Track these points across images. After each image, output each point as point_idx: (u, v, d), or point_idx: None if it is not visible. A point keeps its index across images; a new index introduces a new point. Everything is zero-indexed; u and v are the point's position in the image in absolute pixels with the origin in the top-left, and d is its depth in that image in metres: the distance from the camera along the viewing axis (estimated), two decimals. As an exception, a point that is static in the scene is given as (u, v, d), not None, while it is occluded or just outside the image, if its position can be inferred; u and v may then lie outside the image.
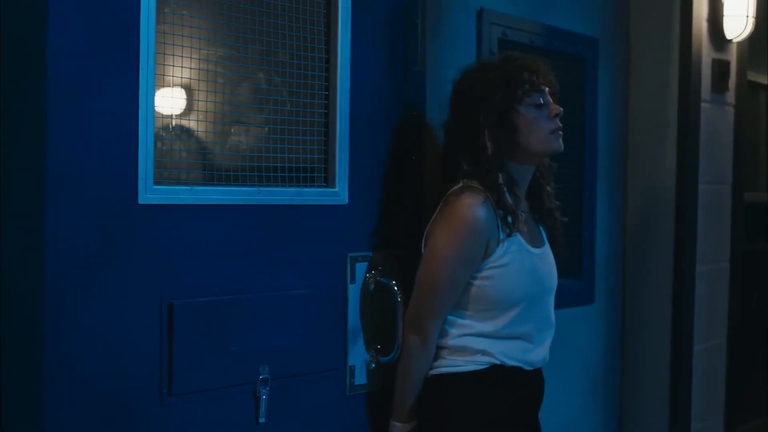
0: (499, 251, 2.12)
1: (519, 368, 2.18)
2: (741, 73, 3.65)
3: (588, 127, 3.15)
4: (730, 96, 3.56)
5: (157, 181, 1.88)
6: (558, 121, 2.17)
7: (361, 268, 2.26)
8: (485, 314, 2.16)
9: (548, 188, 2.27)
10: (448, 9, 2.60)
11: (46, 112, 1.69)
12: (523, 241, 2.16)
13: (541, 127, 2.15)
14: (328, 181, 2.21)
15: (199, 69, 2.00)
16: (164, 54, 1.90)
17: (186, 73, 1.96)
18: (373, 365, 2.29)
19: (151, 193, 1.86)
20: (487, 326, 2.16)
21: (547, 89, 2.18)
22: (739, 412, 3.85)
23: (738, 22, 3.42)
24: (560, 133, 2.17)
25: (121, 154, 1.81)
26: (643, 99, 3.39)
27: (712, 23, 3.40)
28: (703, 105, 3.38)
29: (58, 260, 1.72)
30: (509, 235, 2.12)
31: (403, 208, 2.36)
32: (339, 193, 2.22)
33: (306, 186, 2.17)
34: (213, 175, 2.02)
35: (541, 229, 2.31)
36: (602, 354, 3.34)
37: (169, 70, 1.92)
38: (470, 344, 2.16)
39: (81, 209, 1.75)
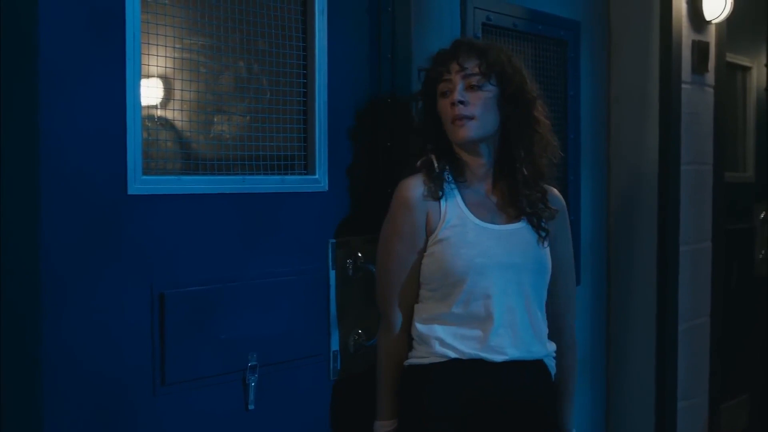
0: (442, 227, 2.08)
1: (480, 360, 2.06)
2: (720, 55, 3.67)
3: (571, 109, 3.17)
4: (710, 77, 3.59)
5: (146, 171, 1.88)
6: (457, 109, 2.08)
7: (342, 253, 2.28)
8: (436, 293, 2.09)
9: (524, 171, 2.13)
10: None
11: (38, 105, 1.69)
12: (469, 214, 2.10)
13: (445, 116, 2.12)
14: (308, 168, 2.22)
15: (182, 59, 2.00)
16: (148, 44, 1.90)
17: (170, 63, 1.96)
18: (352, 350, 2.31)
19: (140, 183, 1.86)
20: (441, 307, 2.08)
21: (456, 77, 2.10)
22: (722, 390, 3.90)
23: (717, 3, 3.45)
24: (459, 122, 2.08)
25: (110, 146, 1.82)
26: (625, 81, 3.41)
27: (692, 5, 3.42)
28: (684, 86, 3.41)
29: (53, 252, 1.73)
30: (438, 199, 2.09)
31: (383, 194, 2.37)
32: (319, 179, 2.23)
33: (288, 174, 2.17)
34: (198, 164, 2.02)
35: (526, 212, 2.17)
36: (589, 335, 3.37)
37: (153, 60, 1.92)
38: (429, 332, 2.09)
39: (73, 201, 1.76)
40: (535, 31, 3.00)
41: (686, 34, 3.41)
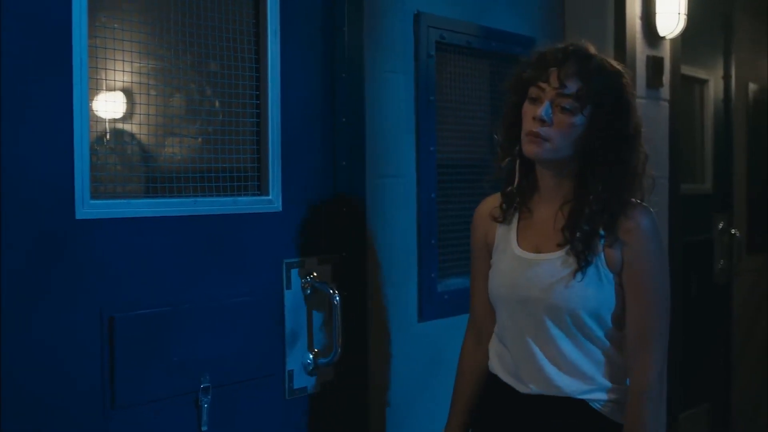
0: (494, 250, 2.05)
1: (512, 388, 1.98)
2: (675, 69, 3.73)
3: (526, 125, 3.20)
4: (665, 91, 3.64)
5: (93, 195, 1.89)
6: (535, 125, 1.88)
7: (296, 273, 2.29)
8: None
9: (593, 206, 1.91)
10: (385, 13, 2.62)
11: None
12: (513, 240, 2.00)
13: (524, 123, 1.93)
14: (261, 189, 2.24)
15: (132, 82, 2.01)
16: (97, 68, 1.90)
17: (119, 86, 1.97)
18: (309, 369, 2.32)
19: (88, 207, 1.87)
20: (497, 325, 2.06)
21: (550, 91, 1.88)
22: (682, 399, 3.95)
23: (670, 19, 3.50)
24: (534, 138, 1.89)
25: (58, 170, 1.83)
26: (580, 96, 3.44)
27: (646, 20, 3.47)
28: (639, 101, 3.45)
29: (4, 276, 1.73)
30: (500, 221, 2.02)
31: (337, 214, 2.39)
32: (273, 200, 2.25)
33: (240, 195, 2.19)
34: (149, 187, 2.03)
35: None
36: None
37: (102, 84, 1.92)
38: (491, 343, 2.08)
39: (23, 226, 1.76)
40: (490, 48, 3.03)
41: (640, 50, 3.46)
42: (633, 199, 1.93)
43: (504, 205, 2.03)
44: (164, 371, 2.00)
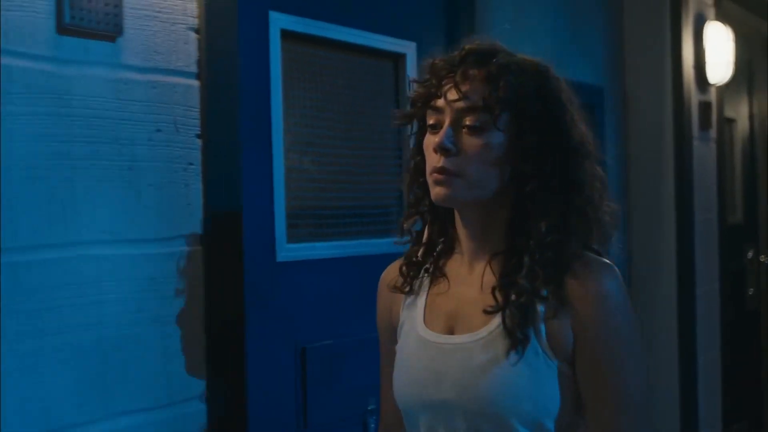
0: (399, 331, 1.50)
1: None
2: (720, 112, 4.07)
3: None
4: (713, 132, 3.98)
5: (289, 239, 2.15)
6: (440, 156, 1.34)
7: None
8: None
9: (536, 255, 1.34)
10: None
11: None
12: (419, 317, 1.45)
13: (427, 163, 1.39)
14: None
15: (312, 138, 2.28)
16: (289, 128, 2.18)
17: (304, 141, 2.24)
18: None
19: (285, 251, 2.13)
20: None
21: (448, 106, 1.35)
22: (722, 417, 4.25)
23: (720, 69, 3.84)
24: (440, 176, 1.34)
25: (264, 216, 2.08)
26: (641, 139, 3.77)
27: (697, 70, 3.81)
28: (694, 143, 3.78)
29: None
30: (403, 292, 1.48)
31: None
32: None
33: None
34: (326, 232, 2.30)
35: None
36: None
37: (290, 140, 2.19)
38: None
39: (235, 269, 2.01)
40: (570, 98, 3.34)
41: (694, 96, 3.79)
42: (587, 252, 1.37)
43: (405, 269, 1.49)
44: (341, 395, 2.26)
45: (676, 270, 3.68)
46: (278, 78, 2.12)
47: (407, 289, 1.47)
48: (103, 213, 1.55)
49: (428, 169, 1.37)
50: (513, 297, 1.32)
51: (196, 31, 1.72)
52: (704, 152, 3.90)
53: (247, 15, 1.97)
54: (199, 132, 1.73)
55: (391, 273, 1.53)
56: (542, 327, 1.32)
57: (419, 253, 1.47)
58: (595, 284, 1.32)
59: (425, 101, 1.39)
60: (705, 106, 3.86)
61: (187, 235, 1.71)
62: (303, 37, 2.19)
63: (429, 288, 1.46)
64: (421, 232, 1.48)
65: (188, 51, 1.71)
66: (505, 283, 1.34)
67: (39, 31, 1.47)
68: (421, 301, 1.45)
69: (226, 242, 1.79)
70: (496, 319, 1.33)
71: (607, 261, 1.37)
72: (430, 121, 1.38)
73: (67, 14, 1.49)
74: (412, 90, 1.43)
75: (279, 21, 2.12)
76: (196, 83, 1.72)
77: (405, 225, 1.48)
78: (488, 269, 1.38)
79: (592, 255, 1.36)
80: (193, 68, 1.72)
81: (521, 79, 1.34)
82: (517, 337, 1.30)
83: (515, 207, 1.37)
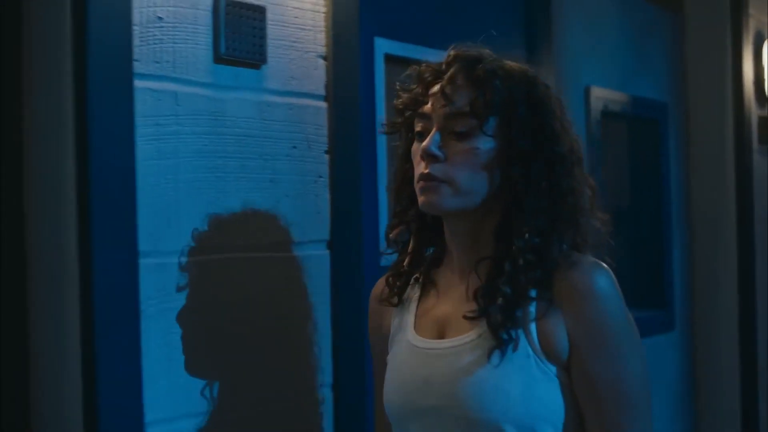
0: (390, 340, 1.51)
1: None
2: (777, 126, 4.22)
3: (663, 179, 3.68)
4: (770, 146, 4.13)
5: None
6: (427, 163, 1.35)
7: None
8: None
9: (520, 260, 1.33)
10: (562, 87, 3.09)
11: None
12: (409, 325, 1.46)
13: (415, 170, 1.40)
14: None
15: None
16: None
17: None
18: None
19: (385, 259, 2.30)
20: None
21: (435, 113, 1.37)
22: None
23: (778, 83, 3.99)
24: (427, 183, 1.35)
25: (373, 227, 2.27)
26: (703, 152, 3.92)
27: (757, 85, 3.96)
28: (753, 155, 3.93)
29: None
30: (393, 304, 1.50)
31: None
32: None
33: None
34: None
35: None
36: (681, 379, 3.83)
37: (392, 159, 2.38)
38: None
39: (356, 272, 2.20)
40: (636, 113, 3.51)
41: (753, 111, 3.94)
42: (577, 252, 1.37)
43: (392, 280, 1.50)
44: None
45: (737, 281, 3.83)
46: (382, 98, 2.31)
47: (395, 300, 1.49)
48: (253, 221, 1.75)
49: (415, 176, 1.38)
50: (497, 301, 1.31)
51: (324, 58, 1.92)
52: (763, 165, 4.04)
53: (362, 42, 2.16)
54: (327, 148, 1.92)
55: (380, 287, 1.55)
56: (533, 327, 1.31)
57: (405, 263, 1.49)
58: (585, 281, 1.30)
59: (412, 108, 1.41)
60: (764, 121, 4.01)
61: (317, 240, 1.90)
62: (404, 60, 2.38)
63: (419, 297, 1.47)
64: (407, 242, 1.50)
65: (318, 76, 1.90)
66: (486, 288, 1.34)
67: (200, 61, 1.67)
68: (412, 309, 1.47)
69: (349, 247, 1.98)
70: (484, 323, 1.33)
71: (598, 260, 1.36)
72: (417, 129, 1.39)
73: (222, 46, 1.69)
74: (398, 98, 1.44)
75: (383, 46, 2.32)
76: (324, 105, 1.91)
77: (391, 235, 1.49)
78: (474, 275, 1.37)
79: (582, 255, 1.36)
80: (322, 91, 1.91)
81: (508, 84, 1.35)
82: (501, 338, 1.29)
83: (504, 214, 1.37)
